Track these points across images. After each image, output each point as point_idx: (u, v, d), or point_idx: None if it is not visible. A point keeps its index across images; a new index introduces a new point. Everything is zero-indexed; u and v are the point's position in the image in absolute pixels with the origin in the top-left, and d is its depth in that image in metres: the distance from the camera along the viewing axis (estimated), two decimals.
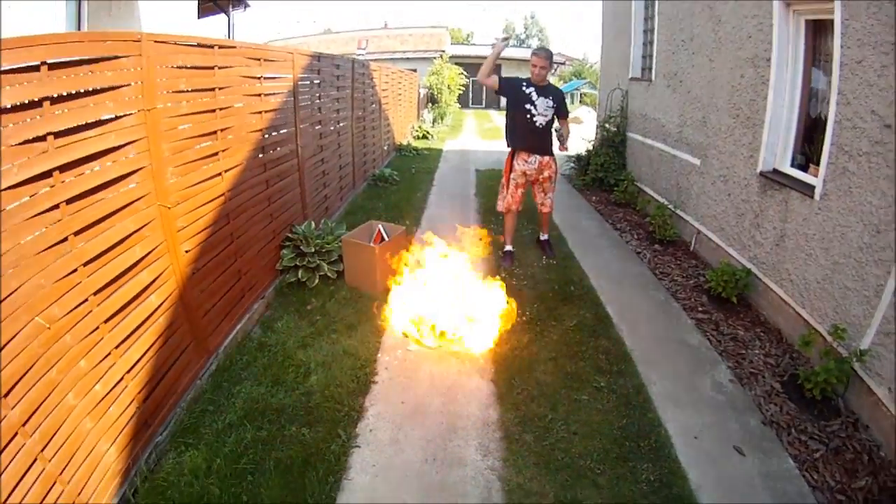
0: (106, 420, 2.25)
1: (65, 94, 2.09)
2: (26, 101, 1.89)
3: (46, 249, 1.99)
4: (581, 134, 11.79)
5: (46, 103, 1.97)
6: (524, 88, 4.60)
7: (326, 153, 5.90)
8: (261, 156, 4.05)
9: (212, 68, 3.29)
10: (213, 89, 3.31)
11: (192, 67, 3.06)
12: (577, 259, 5.20)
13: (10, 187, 1.80)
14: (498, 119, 19.88)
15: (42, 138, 1.96)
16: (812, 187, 3.56)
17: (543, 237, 5.38)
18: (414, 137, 13.23)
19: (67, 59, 2.11)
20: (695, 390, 3.24)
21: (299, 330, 3.70)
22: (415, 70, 16.25)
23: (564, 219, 6.46)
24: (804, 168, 3.88)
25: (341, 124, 6.53)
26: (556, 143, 4.82)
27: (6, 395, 1.73)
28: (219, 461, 2.48)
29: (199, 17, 12.33)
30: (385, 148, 9.88)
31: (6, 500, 1.68)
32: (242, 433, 2.68)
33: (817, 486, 2.51)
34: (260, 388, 3.04)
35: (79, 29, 8.45)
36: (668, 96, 6.14)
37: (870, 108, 3.01)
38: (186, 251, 3.00)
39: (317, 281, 4.42)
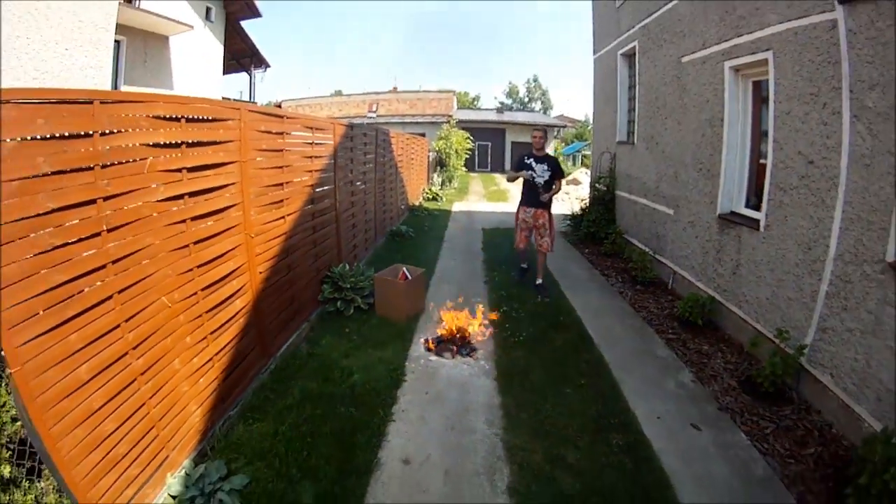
0: (197, 388, 3.04)
1: (193, 141, 3.00)
2: (173, 142, 2.79)
3: (175, 250, 2.85)
4: (578, 194, 12.87)
5: (184, 146, 2.90)
6: (526, 160, 6.12)
7: (356, 208, 6.97)
8: (310, 206, 5.07)
9: (282, 134, 4.38)
10: (281, 151, 4.38)
11: (269, 132, 4.11)
12: (567, 298, 6.10)
13: (158, 200, 2.67)
14: (502, 182, 21.42)
15: (179, 171, 2.86)
16: (758, 221, 4.34)
17: (538, 282, 6.38)
18: (425, 199, 14.51)
19: (197, 115, 3.06)
20: (660, 388, 4.00)
21: (340, 346, 4.54)
22: (423, 134, 17.89)
23: (558, 267, 7.40)
24: (758, 208, 4.55)
25: (367, 185, 7.66)
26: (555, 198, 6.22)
27: (135, 347, 2.48)
28: (283, 428, 3.24)
29: (223, 74, 13.92)
30: (402, 207, 11.04)
31: (117, 428, 2.33)
32: (301, 410, 3.46)
33: (767, 452, 3.08)
34: (312, 383, 3.83)
35: (116, 77, 9.56)
36: (648, 157, 7.10)
37: (797, 149, 3.80)
38: (260, 272, 3.91)
39: (352, 311, 5.29)
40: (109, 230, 2.28)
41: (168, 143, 2.75)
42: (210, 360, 3.18)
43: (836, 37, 3.36)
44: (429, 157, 17.14)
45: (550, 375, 4.06)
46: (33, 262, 1.92)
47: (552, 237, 6.27)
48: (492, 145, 26.07)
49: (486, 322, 4.93)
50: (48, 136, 1.98)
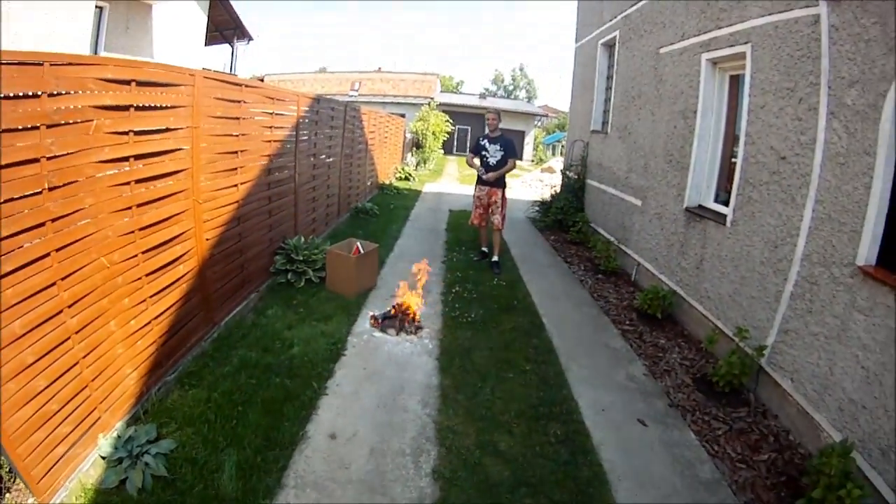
0: (132, 350, 3.06)
1: (143, 105, 3.03)
2: (121, 105, 2.80)
3: (117, 212, 2.87)
4: (551, 182, 13.01)
5: (132, 109, 2.91)
6: (480, 142, 6.56)
7: (317, 182, 6.96)
8: (267, 177, 5.06)
9: (239, 102, 4.36)
10: (237, 119, 4.36)
11: (225, 100, 4.09)
12: (524, 282, 6.25)
13: (102, 161, 2.69)
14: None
15: (126, 133, 2.87)
16: (725, 216, 4.30)
17: (494, 258, 6.65)
18: (396, 178, 14.49)
19: (149, 80, 3.07)
20: (609, 378, 4.04)
21: (286, 317, 4.59)
22: (403, 115, 17.71)
23: (520, 252, 7.56)
24: (726, 203, 4.48)
25: (332, 159, 7.63)
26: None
27: (70, 305, 2.52)
28: (216, 395, 3.30)
29: (206, 45, 13.58)
30: (368, 184, 11.02)
31: (49, 385, 2.36)
32: (236, 379, 3.53)
33: (717, 455, 2.97)
34: (252, 353, 3.89)
35: (97, 43, 9.52)
36: (620, 146, 7.16)
37: (769, 144, 3.76)
38: (207, 239, 3.93)
39: (303, 283, 5.34)
40: (51, 189, 2.32)
41: (116, 105, 2.77)
42: (148, 323, 3.20)
43: (818, 32, 3.31)
44: (405, 137, 17.03)
45: (495, 359, 4.18)
46: None
47: (503, 215, 6.55)
48: (471, 130, 26.02)
49: (437, 299, 5.08)
50: None
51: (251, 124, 4.64)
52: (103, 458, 2.61)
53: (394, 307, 4.71)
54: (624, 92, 7.15)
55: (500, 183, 6.48)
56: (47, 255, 2.38)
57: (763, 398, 3.65)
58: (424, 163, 18.30)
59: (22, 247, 2.20)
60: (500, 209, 6.51)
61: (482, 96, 27.57)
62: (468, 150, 6.92)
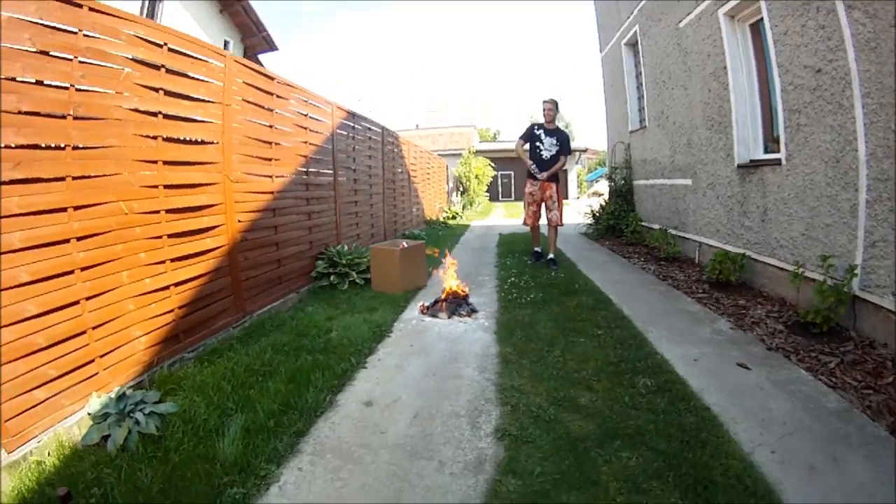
0: (145, 311, 2.75)
1: (174, 69, 3.05)
2: (152, 63, 2.85)
3: (142, 161, 2.76)
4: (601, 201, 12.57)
5: (163, 69, 2.93)
6: (535, 131, 6.07)
7: (360, 198, 6.83)
8: (304, 177, 4.94)
9: (271, 94, 4.32)
10: (271, 110, 4.31)
11: (256, 87, 4.07)
12: (583, 273, 5.63)
13: (130, 108, 2.68)
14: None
15: (157, 90, 2.88)
16: (779, 159, 4.09)
17: (550, 256, 6.08)
18: (443, 217, 14.38)
19: (180, 48, 3.11)
20: (693, 335, 3.44)
21: (326, 311, 4.19)
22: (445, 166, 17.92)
23: (576, 255, 6.94)
24: (776, 152, 4.37)
25: (373, 178, 7.54)
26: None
27: (79, 238, 2.33)
28: (236, 368, 2.87)
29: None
30: (414, 212, 10.90)
31: (39, 315, 2.08)
32: (262, 355, 3.10)
33: (837, 386, 2.57)
34: (285, 337, 3.47)
35: None
36: (660, 135, 7.00)
37: (802, 64, 3.66)
38: (239, 221, 3.73)
39: (346, 285, 5.00)
40: (76, 118, 2.34)
41: (147, 62, 2.82)
42: (167, 287, 2.91)
43: None
44: (448, 178, 17.19)
45: (560, 329, 3.56)
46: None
47: (560, 210, 6.05)
48: (514, 174, 26.02)
49: (491, 291, 4.57)
50: (37, 20, 2.14)
51: (284, 119, 4.59)
52: (90, 415, 2.22)
53: (444, 290, 4.25)
54: (654, 80, 7.10)
55: (554, 177, 6.08)
56: (63, 178, 2.30)
57: (866, 331, 3.20)
58: (471, 205, 18.23)
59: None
60: (556, 204, 6.04)
61: (518, 155, 27.82)
62: (520, 136, 6.25)
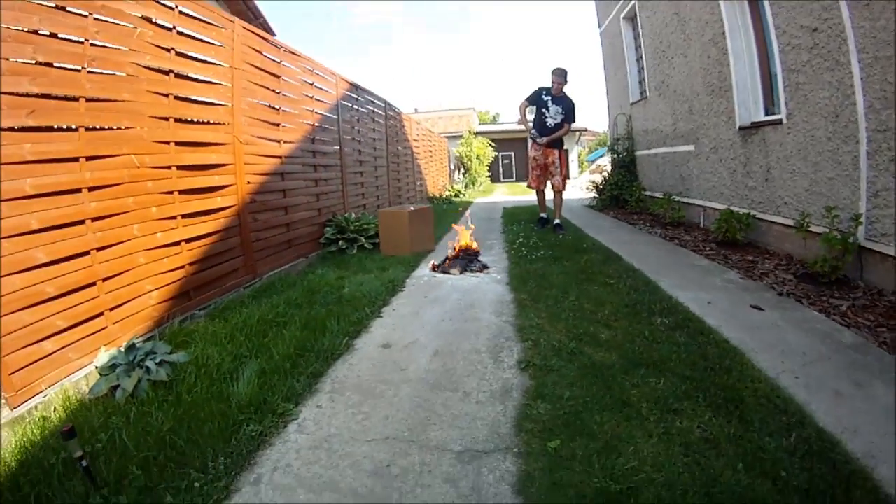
0: (156, 266, 2.70)
1: (185, 31, 3.00)
2: (164, 24, 2.82)
3: (154, 118, 2.72)
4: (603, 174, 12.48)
5: (174, 30, 2.90)
6: (543, 96, 5.89)
7: (365, 169, 6.77)
8: (311, 145, 4.87)
9: (277, 62, 4.25)
10: (277, 77, 4.23)
11: (263, 54, 3.99)
12: (591, 236, 5.58)
13: (142, 65, 2.63)
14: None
15: (168, 50, 2.86)
16: (780, 119, 4.06)
17: (556, 221, 6.02)
18: (446, 194, 14.29)
19: (191, 11, 3.06)
20: (704, 283, 3.41)
21: (338, 273, 4.14)
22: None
23: (583, 223, 6.88)
24: (776, 114, 4.38)
25: (377, 151, 7.46)
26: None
27: (91, 189, 2.29)
28: (250, 320, 2.81)
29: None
30: (418, 186, 10.83)
31: (48, 264, 2.02)
32: (276, 307, 3.06)
33: (850, 325, 2.56)
34: (297, 293, 3.44)
35: None
36: (661, 104, 6.93)
37: (798, 24, 3.65)
38: (249, 183, 3.69)
39: (355, 250, 4.97)
40: (90, 72, 2.32)
41: (160, 22, 2.80)
42: (178, 243, 2.87)
43: None
44: (449, 157, 17.05)
45: (573, 279, 3.53)
46: (13, 66, 1.98)
47: (564, 175, 5.96)
48: (515, 155, 25.75)
49: (500, 252, 4.54)
50: None
51: (290, 87, 4.52)
52: (98, 368, 2.13)
53: (455, 249, 4.23)
54: (654, 51, 7.02)
55: (557, 143, 5.98)
56: (76, 129, 2.27)
57: (873, 281, 3.16)
58: (473, 184, 18.10)
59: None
60: (558, 170, 5.95)
61: (519, 122, 27.49)
62: (525, 99, 6.09)
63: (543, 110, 5.86)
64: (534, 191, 6.46)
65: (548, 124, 5.86)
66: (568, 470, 1.47)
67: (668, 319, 2.65)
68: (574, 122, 6.06)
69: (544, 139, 5.84)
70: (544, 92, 5.89)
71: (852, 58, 3.18)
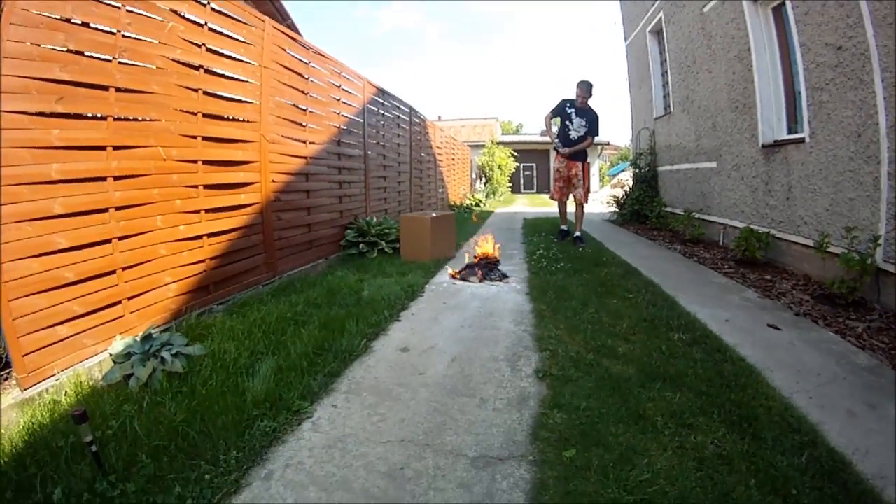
0: (176, 258, 2.70)
1: (216, 28, 3.04)
2: (196, 20, 2.86)
3: (183, 112, 2.74)
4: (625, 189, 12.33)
5: (206, 26, 2.94)
6: (567, 109, 5.84)
7: (388, 174, 6.79)
8: (336, 147, 4.90)
9: (306, 62, 4.30)
10: (306, 78, 4.27)
11: (292, 54, 4.04)
12: (610, 250, 5.48)
13: (173, 59, 2.66)
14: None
15: (199, 46, 2.88)
16: (802, 138, 3.98)
17: (577, 234, 5.92)
18: (467, 203, 14.25)
19: (223, 9, 3.11)
20: (722, 300, 3.32)
21: (357, 275, 4.11)
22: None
23: (603, 237, 6.77)
24: (800, 132, 4.30)
25: (401, 157, 7.49)
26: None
27: (117, 178, 2.31)
28: (268, 318, 2.79)
29: None
30: (440, 194, 10.82)
31: (68, 249, 2.02)
32: (295, 306, 3.05)
33: (865, 347, 2.51)
34: (315, 293, 3.42)
35: None
36: (685, 119, 6.81)
37: (823, 42, 3.59)
38: (273, 181, 3.71)
39: (375, 254, 4.95)
40: (120, 62, 2.34)
41: (192, 18, 2.83)
42: (200, 237, 2.88)
43: None
44: (472, 165, 17.05)
45: (592, 292, 3.45)
46: (43, 52, 2.01)
47: (587, 188, 5.87)
48: (536, 167, 25.62)
49: (520, 262, 4.46)
50: None
51: (318, 88, 4.55)
52: (112, 356, 2.12)
53: (475, 257, 4.17)
54: (679, 66, 6.96)
55: (581, 156, 5.91)
56: (105, 118, 2.29)
57: (890, 304, 3.10)
58: (494, 194, 18.04)
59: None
60: (581, 182, 5.87)
61: (543, 133, 27.39)
62: (550, 110, 6.05)
63: (567, 122, 5.81)
64: (555, 202, 6.37)
65: (571, 136, 5.79)
66: (582, 480, 1.42)
67: (686, 335, 2.57)
68: (597, 135, 5.98)
69: (567, 150, 5.77)
70: (568, 104, 5.85)
71: (875, 76, 3.15)
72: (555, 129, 6.09)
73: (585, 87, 5.80)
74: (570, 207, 6.13)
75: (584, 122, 5.75)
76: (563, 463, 1.50)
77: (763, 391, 1.97)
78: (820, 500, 1.34)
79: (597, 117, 5.86)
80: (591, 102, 5.82)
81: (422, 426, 1.77)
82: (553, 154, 6.14)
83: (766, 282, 3.82)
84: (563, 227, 6.34)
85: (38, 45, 1.95)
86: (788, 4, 4.02)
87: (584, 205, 5.98)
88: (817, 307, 3.11)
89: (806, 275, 3.96)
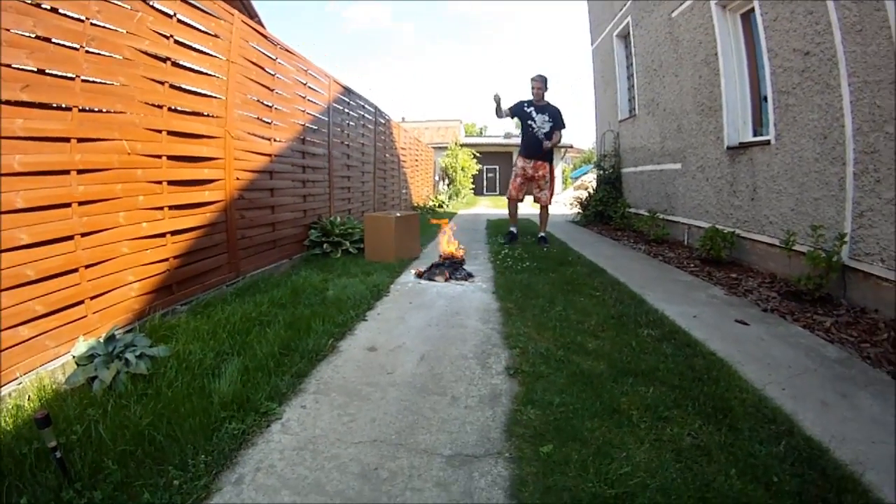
0: (140, 256, 2.62)
1: (185, 20, 2.97)
2: (165, 11, 2.78)
3: (148, 105, 2.66)
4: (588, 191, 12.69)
5: (174, 17, 2.87)
6: (525, 108, 5.73)
7: (352, 174, 6.73)
8: (301, 146, 4.83)
9: (273, 59, 4.22)
10: (272, 74, 4.20)
11: (259, 50, 3.96)
12: (575, 249, 5.65)
13: (140, 50, 2.58)
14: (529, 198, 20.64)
15: (168, 37, 2.81)
16: (768, 140, 4.17)
17: (541, 234, 5.99)
18: (430, 205, 14.29)
19: (194, 2, 3.04)
20: (689, 298, 3.49)
21: (322, 275, 4.07)
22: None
23: (567, 237, 6.96)
24: (765, 135, 4.51)
25: (365, 157, 7.43)
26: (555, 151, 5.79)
27: (80, 171, 2.22)
28: (233, 318, 2.74)
29: None
30: (403, 195, 10.81)
31: (30, 245, 1.94)
32: (260, 306, 3.00)
33: (834, 340, 2.64)
34: (280, 293, 3.36)
35: None
36: (650, 122, 7.06)
37: (791, 48, 3.77)
38: (237, 179, 3.63)
39: (339, 254, 4.92)
40: (87, 52, 2.27)
41: (161, 8, 2.76)
42: (163, 235, 2.80)
43: None
44: (435, 166, 17.10)
45: (559, 290, 3.55)
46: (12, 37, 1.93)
47: (552, 190, 5.89)
48: (499, 169, 25.95)
49: (484, 262, 4.55)
50: None
51: (284, 85, 4.47)
52: (75, 358, 2.04)
53: (440, 256, 4.22)
54: (645, 69, 7.17)
55: (549, 156, 5.83)
56: (69, 108, 2.21)
57: (856, 300, 3.27)
58: (456, 195, 18.17)
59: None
60: (547, 184, 5.85)
61: (507, 136, 27.75)
62: (510, 112, 5.80)
63: (530, 122, 5.68)
64: (510, 202, 6.21)
65: (538, 136, 5.66)
66: (562, 475, 1.46)
67: (655, 331, 2.69)
68: (564, 127, 5.86)
69: (549, 143, 5.64)
70: (526, 104, 5.73)
71: (843, 81, 3.29)
72: (517, 131, 6.14)
73: (542, 80, 5.72)
74: (524, 209, 6.10)
75: (547, 118, 5.66)
76: (540, 459, 1.54)
77: (736, 384, 2.05)
78: (800, 486, 1.39)
79: (559, 110, 5.81)
80: (558, 103, 5.80)
81: (394, 426, 1.80)
82: (516, 154, 6.10)
83: (732, 279, 4.03)
84: (513, 228, 6.19)
85: (8, 30, 1.85)
86: (757, 11, 4.23)
87: (548, 206, 6.03)
88: (784, 303, 3.30)
89: (772, 273, 4.16)
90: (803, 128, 3.73)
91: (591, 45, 10.03)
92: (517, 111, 5.80)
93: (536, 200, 6.00)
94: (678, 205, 6.21)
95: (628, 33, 7.84)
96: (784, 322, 2.97)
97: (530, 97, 5.77)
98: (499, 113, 5.70)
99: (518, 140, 6.89)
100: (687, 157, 5.92)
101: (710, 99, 5.20)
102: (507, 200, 6.17)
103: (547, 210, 6.04)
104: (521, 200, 6.12)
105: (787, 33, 3.82)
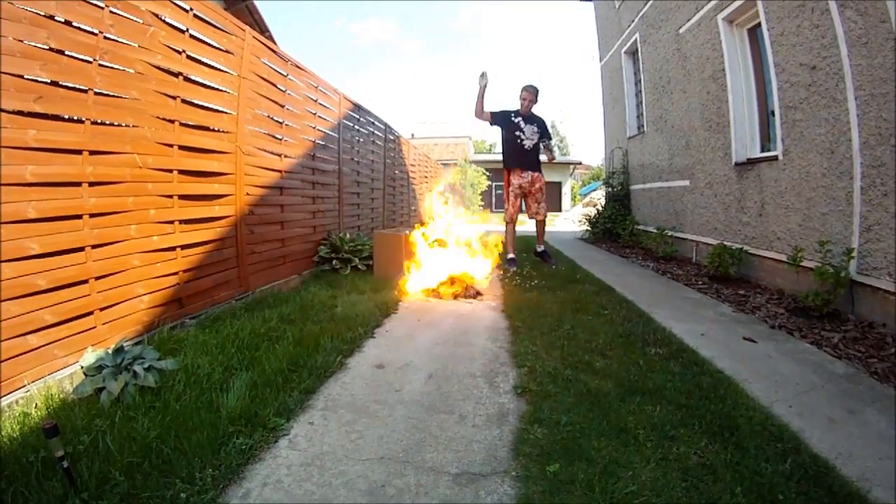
0: (150, 270, 2.67)
1: (197, 35, 3.07)
2: (178, 26, 2.88)
3: (160, 119, 2.73)
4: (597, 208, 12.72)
5: (187, 33, 2.96)
6: (513, 119, 5.60)
7: (362, 190, 6.82)
8: (311, 162, 4.92)
9: (284, 75, 4.33)
10: (283, 90, 4.30)
11: (270, 66, 4.07)
12: (583, 267, 5.65)
13: (153, 65, 2.67)
14: (523, 218, 20.66)
15: (180, 52, 2.90)
16: (776, 156, 4.21)
17: (539, 248, 5.90)
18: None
19: (205, 15, 3.13)
20: (697, 315, 3.48)
21: (330, 292, 4.11)
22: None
23: (575, 255, 6.98)
24: (772, 151, 4.57)
25: (374, 173, 7.54)
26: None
27: (92, 184, 2.28)
28: (242, 333, 2.76)
29: None
30: (413, 209, 10.91)
31: (41, 255, 1.99)
32: (268, 322, 3.03)
33: (841, 356, 2.64)
34: (289, 309, 3.39)
35: None
36: (658, 139, 7.15)
37: (797, 62, 3.81)
38: (248, 194, 3.69)
39: (348, 270, 4.95)
40: (100, 65, 2.33)
41: (173, 23, 2.83)
42: (173, 249, 2.85)
43: None
44: (444, 183, 17.27)
45: (567, 308, 3.55)
46: (25, 48, 1.99)
47: (547, 203, 5.80)
48: None
49: (493, 280, 4.56)
50: None
51: (294, 101, 4.58)
52: (83, 368, 2.07)
53: (448, 276, 4.24)
54: (654, 86, 7.24)
55: (540, 167, 5.73)
56: (82, 121, 2.27)
57: (864, 314, 3.27)
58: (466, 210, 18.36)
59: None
60: (543, 196, 5.74)
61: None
62: (491, 120, 5.65)
63: (517, 133, 5.54)
64: (508, 225, 5.94)
65: (526, 147, 5.53)
66: (568, 494, 1.46)
67: (663, 350, 2.69)
68: (551, 139, 5.82)
69: (553, 154, 5.68)
70: (513, 114, 5.61)
71: (849, 95, 3.31)
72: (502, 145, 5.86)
73: (534, 92, 5.60)
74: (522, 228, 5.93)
75: (535, 129, 5.58)
76: (546, 478, 1.54)
77: (743, 402, 2.05)
78: (806, 503, 1.40)
79: (543, 120, 5.75)
80: (563, 124, 5.99)
81: (401, 443, 1.80)
82: (508, 171, 5.82)
83: (739, 296, 4.03)
84: (512, 255, 5.78)
85: (21, 42, 1.92)
86: (764, 26, 4.28)
87: (545, 219, 5.88)
88: (792, 320, 3.30)
89: (779, 289, 4.16)
90: (810, 142, 3.76)
91: (600, 61, 10.18)
92: (502, 120, 5.66)
93: (533, 217, 5.81)
94: (686, 221, 6.23)
95: (636, 50, 7.94)
96: (792, 339, 2.98)
97: (517, 107, 5.67)
98: (480, 106, 5.53)
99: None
100: (695, 174, 5.96)
101: (718, 115, 5.25)
102: (505, 224, 5.93)
103: (544, 223, 5.92)
104: (516, 220, 5.94)
105: (794, 48, 3.87)
